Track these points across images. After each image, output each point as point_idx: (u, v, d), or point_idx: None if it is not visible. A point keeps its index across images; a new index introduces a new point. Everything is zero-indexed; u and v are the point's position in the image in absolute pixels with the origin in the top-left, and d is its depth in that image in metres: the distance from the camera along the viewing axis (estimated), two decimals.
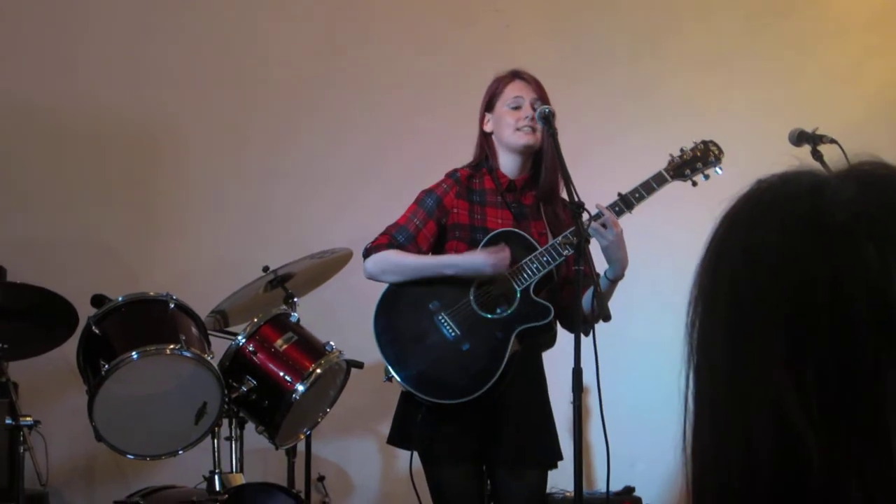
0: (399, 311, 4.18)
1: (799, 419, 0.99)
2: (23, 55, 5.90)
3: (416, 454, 4.17)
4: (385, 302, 4.20)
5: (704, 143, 4.21)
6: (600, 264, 4.07)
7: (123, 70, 5.99)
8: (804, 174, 1.09)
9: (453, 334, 4.10)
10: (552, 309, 4.09)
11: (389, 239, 4.18)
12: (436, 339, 4.11)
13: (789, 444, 0.99)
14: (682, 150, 4.18)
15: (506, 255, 4.06)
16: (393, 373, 4.11)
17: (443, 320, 4.12)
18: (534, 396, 4.17)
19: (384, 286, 4.23)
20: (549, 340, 4.20)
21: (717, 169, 4.17)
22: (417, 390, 4.08)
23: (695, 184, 4.17)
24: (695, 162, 4.17)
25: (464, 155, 4.34)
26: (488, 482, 4.21)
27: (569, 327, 3.88)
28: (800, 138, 4.11)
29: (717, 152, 4.20)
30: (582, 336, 3.76)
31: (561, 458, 4.16)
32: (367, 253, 4.20)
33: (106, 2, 6.04)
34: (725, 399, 1.05)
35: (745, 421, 1.02)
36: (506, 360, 4.04)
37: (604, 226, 3.96)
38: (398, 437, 4.22)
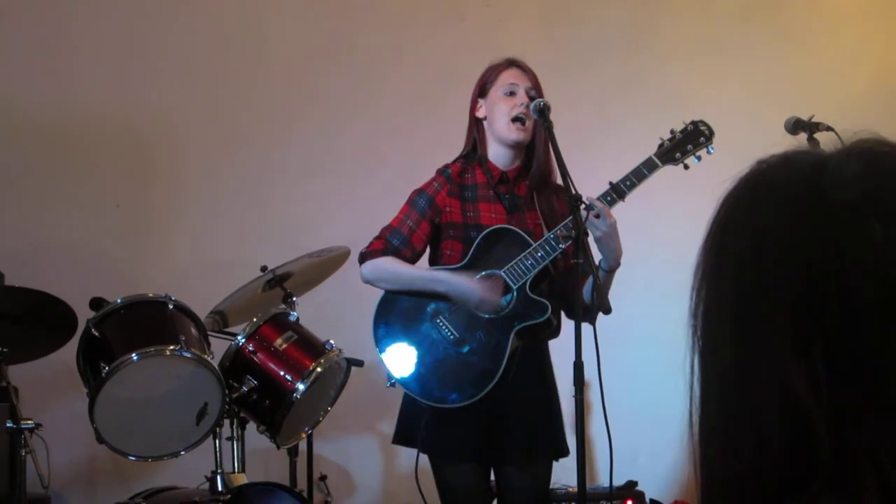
0: (398, 315, 4.17)
1: (808, 401, 0.98)
2: (12, 57, 5.88)
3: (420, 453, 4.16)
4: (383, 306, 4.20)
5: (694, 123, 4.16)
6: (595, 255, 4.07)
7: (116, 71, 5.97)
8: (805, 153, 1.09)
9: (452, 336, 4.09)
10: (549, 305, 4.07)
11: (384, 243, 4.17)
12: (436, 342, 4.10)
13: (799, 426, 0.99)
14: (672, 132, 4.14)
15: (496, 299, 4.04)
16: (395, 378, 4.11)
17: (441, 323, 4.11)
18: (539, 390, 4.15)
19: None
20: (553, 331, 4.19)
21: (709, 149, 4.13)
22: (420, 395, 4.08)
23: (687, 167, 4.13)
24: (685, 144, 4.12)
25: (459, 150, 4.33)
26: (493, 479, 4.22)
27: (572, 314, 3.87)
28: (796, 126, 4.11)
29: (707, 132, 4.15)
30: (583, 329, 3.75)
31: (567, 452, 4.15)
32: (363, 258, 4.19)
33: (96, 2, 6.02)
34: (733, 383, 1.05)
35: (753, 404, 1.02)
36: (506, 359, 4.03)
37: (597, 216, 3.94)
38: (403, 437, 4.22)
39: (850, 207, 1.01)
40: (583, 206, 3.89)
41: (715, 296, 1.08)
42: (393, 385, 4.13)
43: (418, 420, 4.08)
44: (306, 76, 6.15)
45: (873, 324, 0.98)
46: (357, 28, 6.21)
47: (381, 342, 4.16)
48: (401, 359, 4.12)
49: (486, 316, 4.08)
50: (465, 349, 4.08)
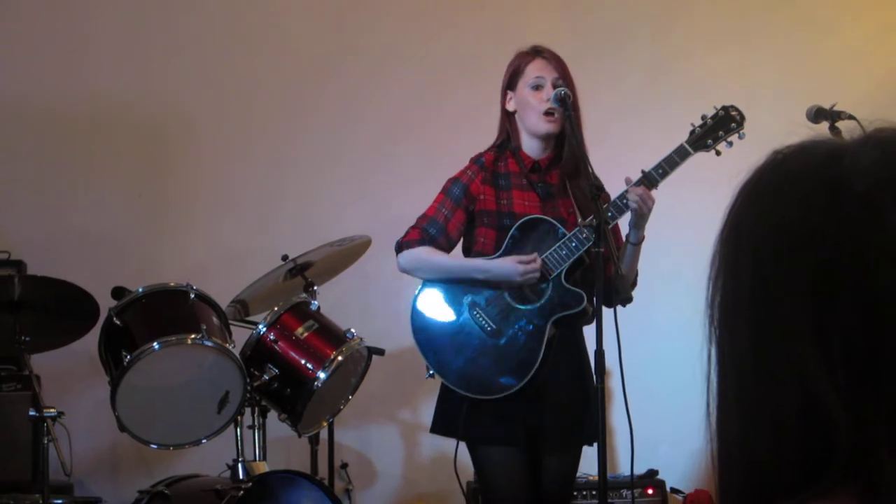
0: (435, 306, 4.17)
1: (826, 391, 0.98)
2: (31, 49, 5.90)
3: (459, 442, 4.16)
4: (420, 299, 4.20)
5: (725, 108, 4.12)
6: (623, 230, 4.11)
7: (133, 63, 5.98)
8: (822, 143, 1.08)
9: (490, 328, 4.09)
10: (584, 295, 4.07)
11: (421, 233, 4.16)
12: (473, 335, 4.10)
13: (817, 416, 0.98)
14: (703, 117, 4.11)
15: (536, 266, 4.04)
16: (434, 370, 4.12)
17: (478, 315, 4.10)
18: (576, 376, 4.14)
19: (407, 276, 4.23)
20: (588, 318, 4.17)
21: (740, 134, 4.09)
22: (459, 388, 4.08)
23: (718, 153, 4.09)
24: (716, 130, 4.09)
25: (479, 137, 4.33)
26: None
27: (606, 301, 3.87)
28: (817, 115, 4.09)
29: (738, 117, 4.12)
30: (604, 318, 3.75)
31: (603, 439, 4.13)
32: (400, 248, 4.18)
33: None
34: (750, 373, 1.04)
35: (771, 394, 1.02)
36: (543, 350, 4.03)
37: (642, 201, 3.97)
38: (442, 426, 4.22)
39: (867, 196, 1.00)
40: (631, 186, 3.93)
41: (732, 285, 1.08)
42: (432, 376, 4.14)
43: (457, 409, 4.08)
44: (322, 65, 6.14)
45: (891, 312, 0.98)
46: (374, 16, 6.19)
47: (418, 334, 4.16)
48: (438, 351, 4.12)
49: (524, 307, 4.08)
50: (503, 341, 4.08)
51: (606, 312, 3.81)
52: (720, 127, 4.10)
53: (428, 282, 4.19)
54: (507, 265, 4.05)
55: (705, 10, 6.28)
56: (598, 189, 3.85)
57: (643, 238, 4.08)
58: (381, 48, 6.16)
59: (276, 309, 4.48)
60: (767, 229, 1.05)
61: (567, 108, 3.99)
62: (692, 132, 4.10)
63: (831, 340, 0.99)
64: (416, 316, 4.18)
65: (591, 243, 3.98)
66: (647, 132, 5.57)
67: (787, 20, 6.18)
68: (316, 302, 4.58)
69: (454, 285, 4.15)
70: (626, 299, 3.88)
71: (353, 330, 4.48)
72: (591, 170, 3.89)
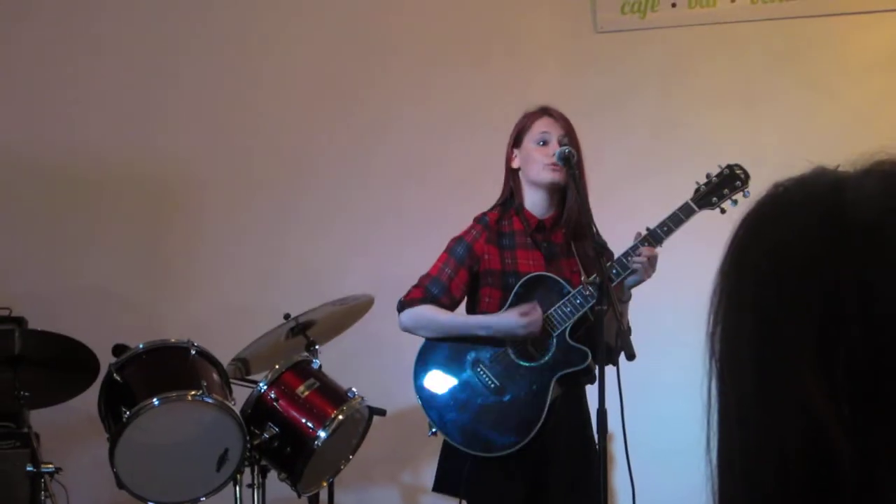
0: (438, 364, 4.17)
1: (830, 421, 0.97)
2: (34, 107, 5.95)
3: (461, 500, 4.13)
4: (424, 356, 4.20)
5: (730, 167, 4.13)
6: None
7: (135, 121, 6.03)
8: (823, 174, 1.07)
9: (493, 385, 4.08)
10: (589, 353, 4.06)
11: (423, 292, 4.18)
12: (477, 391, 4.10)
13: (821, 445, 0.97)
14: (707, 176, 4.11)
15: (537, 317, 4.04)
16: (437, 428, 4.10)
17: (482, 372, 4.10)
18: (579, 439, 4.13)
19: (410, 336, 4.23)
20: (592, 377, 4.16)
21: (745, 193, 4.09)
22: (462, 445, 4.08)
23: (723, 211, 4.07)
24: (721, 188, 4.09)
25: (481, 195, 4.34)
26: None
27: (610, 360, 3.88)
28: None
29: (743, 176, 4.13)
30: (606, 377, 3.74)
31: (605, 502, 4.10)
32: (402, 307, 4.19)
33: (110, 49, 6.08)
34: (753, 403, 1.03)
35: (774, 424, 1.00)
36: (546, 407, 4.03)
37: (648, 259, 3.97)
38: (444, 484, 4.19)
39: (869, 226, 1.00)
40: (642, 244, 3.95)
41: (733, 316, 1.06)
42: (434, 434, 4.13)
43: (460, 467, 4.08)
44: (323, 123, 6.17)
45: (895, 342, 0.97)
46: (376, 71, 6.22)
47: (422, 392, 4.16)
48: (442, 409, 4.12)
49: (528, 364, 4.07)
50: (507, 398, 4.07)
51: (609, 372, 3.79)
52: (725, 185, 4.11)
53: (431, 339, 4.18)
54: (508, 318, 4.04)
55: (708, 71, 6.29)
56: (602, 247, 3.85)
57: (630, 297, 4.09)
58: (383, 106, 6.18)
59: (277, 367, 4.47)
60: (769, 261, 1.04)
61: (571, 167, 4.00)
62: (697, 190, 4.10)
63: (835, 370, 0.97)
64: (419, 373, 4.18)
65: (594, 301, 3.97)
66: (651, 193, 5.57)
67: (791, 82, 6.20)
68: (318, 360, 4.56)
69: (457, 342, 4.14)
70: (631, 355, 3.88)
71: (354, 389, 4.46)
72: (595, 228, 3.89)
